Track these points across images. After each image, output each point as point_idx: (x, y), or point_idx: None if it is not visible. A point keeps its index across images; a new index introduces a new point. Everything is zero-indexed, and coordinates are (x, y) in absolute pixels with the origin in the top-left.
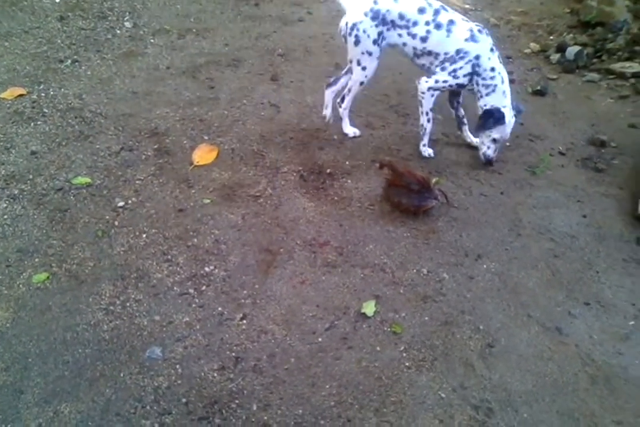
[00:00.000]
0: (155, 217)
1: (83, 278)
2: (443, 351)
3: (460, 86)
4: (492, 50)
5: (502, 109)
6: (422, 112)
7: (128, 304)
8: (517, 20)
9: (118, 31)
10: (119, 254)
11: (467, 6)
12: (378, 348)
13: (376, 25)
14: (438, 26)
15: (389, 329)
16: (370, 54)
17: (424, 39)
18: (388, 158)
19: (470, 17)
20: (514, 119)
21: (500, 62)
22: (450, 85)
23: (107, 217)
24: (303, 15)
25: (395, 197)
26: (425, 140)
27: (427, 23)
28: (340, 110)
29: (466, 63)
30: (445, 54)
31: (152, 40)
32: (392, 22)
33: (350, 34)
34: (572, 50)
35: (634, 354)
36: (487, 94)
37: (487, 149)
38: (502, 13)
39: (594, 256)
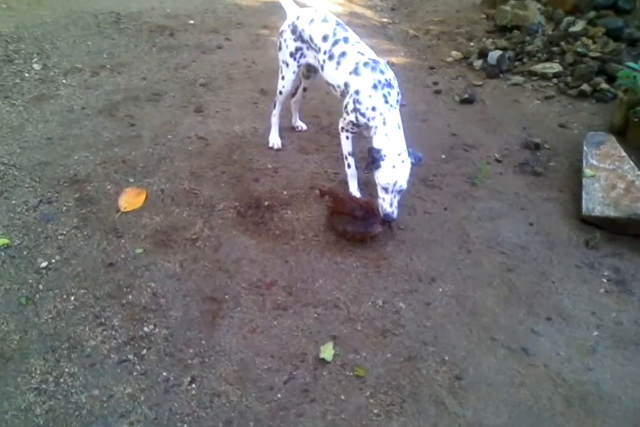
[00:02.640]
0: (83, 276)
1: (9, 355)
2: (411, 390)
3: (355, 125)
4: (375, 86)
5: (383, 151)
6: (343, 157)
7: (62, 380)
8: (436, 29)
9: (27, 74)
10: (46, 322)
11: (384, 20)
12: (342, 397)
13: (294, 40)
14: (331, 57)
15: (351, 374)
16: (287, 65)
17: (322, 68)
18: (327, 185)
19: (389, 31)
20: (404, 165)
21: (387, 102)
22: (352, 123)
23: (30, 280)
24: (221, 42)
25: (340, 226)
26: (352, 186)
27: (325, 52)
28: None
29: (350, 97)
30: (338, 87)
31: (64, 81)
32: (308, 42)
33: (278, 38)
34: (493, 55)
35: (602, 367)
36: (371, 138)
37: (382, 201)
38: (420, 24)
39: (547, 265)
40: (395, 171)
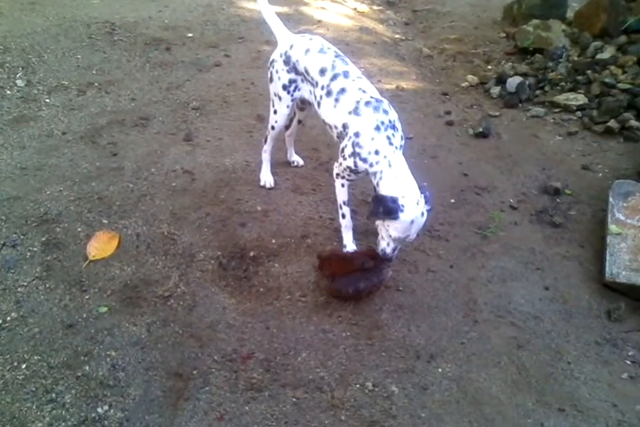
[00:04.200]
0: (39, 338)
1: None
2: None
3: (353, 172)
4: (377, 128)
5: (401, 200)
6: (338, 206)
7: None
8: (452, 48)
9: (8, 92)
10: None
11: (397, 36)
12: None
13: (287, 71)
14: (329, 93)
15: None
16: (280, 98)
17: (318, 105)
18: (326, 250)
19: (401, 49)
20: (423, 217)
21: (392, 144)
22: (349, 169)
23: None
24: (220, 58)
25: (349, 288)
26: (347, 238)
27: (322, 87)
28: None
29: (348, 140)
30: (336, 127)
31: (47, 100)
32: (303, 74)
33: (268, 69)
34: (513, 82)
35: None
36: (377, 184)
37: (387, 245)
38: (435, 41)
39: (562, 340)
40: (412, 226)
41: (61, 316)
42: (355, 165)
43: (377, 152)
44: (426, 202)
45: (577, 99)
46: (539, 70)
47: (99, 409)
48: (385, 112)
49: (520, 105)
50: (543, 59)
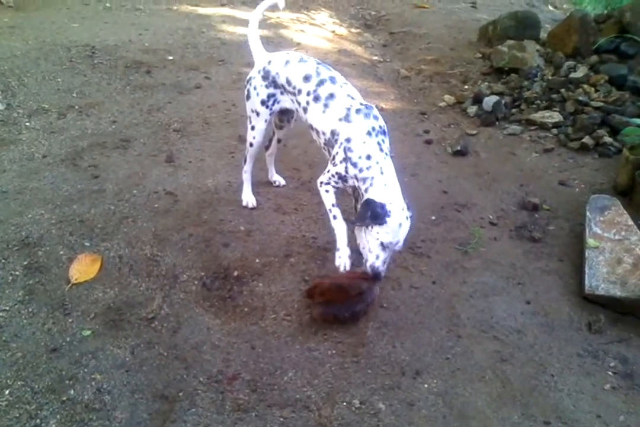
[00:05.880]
0: (22, 363)
1: None
2: None
3: (342, 178)
4: (369, 133)
5: (388, 206)
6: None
7: None
8: (429, 69)
9: None
10: None
11: (375, 58)
12: None
13: (266, 86)
14: (316, 99)
15: None
16: (257, 114)
17: (305, 110)
18: (323, 280)
19: (379, 70)
20: (408, 221)
21: (382, 151)
22: (338, 175)
23: None
24: (200, 80)
25: (345, 312)
26: (341, 241)
27: (308, 93)
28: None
29: (339, 147)
30: (324, 133)
31: (27, 124)
32: (283, 86)
33: (245, 87)
34: (489, 101)
35: None
36: (366, 190)
37: (376, 258)
38: (412, 63)
39: (545, 353)
40: (400, 230)
41: (44, 340)
42: (346, 171)
43: (368, 157)
44: (408, 209)
45: (553, 116)
46: (515, 90)
47: None
48: (376, 118)
49: (497, 123)
50: (518, 79)
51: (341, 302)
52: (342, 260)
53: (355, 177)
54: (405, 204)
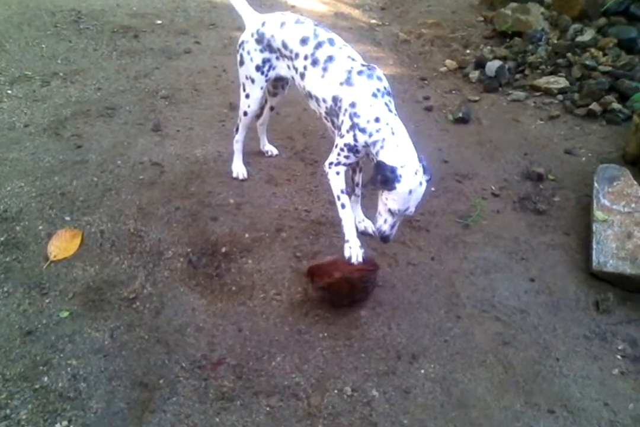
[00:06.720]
0: None
1: None
2: None
3: (352, 150)
4: (374, 95)
5: (399, 170)
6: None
7: None
8: (429, 33)
9: None
10: None
11: (373, 21)
12: None
13: (261, 51)
14: (314, 62)
15: None
16: (252, 81)
17: (302, 76)
18: (324, 263)
19: (378, 34)
20: (422, 186)
21: (391, 111)
22: (348, 147)
23: None
24: (190, 45)
25: (345, 300)
26: (349, 232)
27: (306, 57)
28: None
29: (344, 114)
30: (324, 101)
31: (9, 91)
32: (279, 50)
33: (237, 52)
34: (492, 66)
35: None
36: (377, 153)
37: (384, 222)
38: (411, 26)
39: (550, 335)
40: (411, 197)
41: (19, 323)
42: (355, 139)
43: (377, 120)
44: (425, 172)
45: (558, 82)
46: (519, 54)
47: (58, 425)
48: (379, 79)
49: (500, 89)
50: (522, 43)
51: (345, 294)
52: (354, 251)
53: (366, 144)
54: (422, 166)
